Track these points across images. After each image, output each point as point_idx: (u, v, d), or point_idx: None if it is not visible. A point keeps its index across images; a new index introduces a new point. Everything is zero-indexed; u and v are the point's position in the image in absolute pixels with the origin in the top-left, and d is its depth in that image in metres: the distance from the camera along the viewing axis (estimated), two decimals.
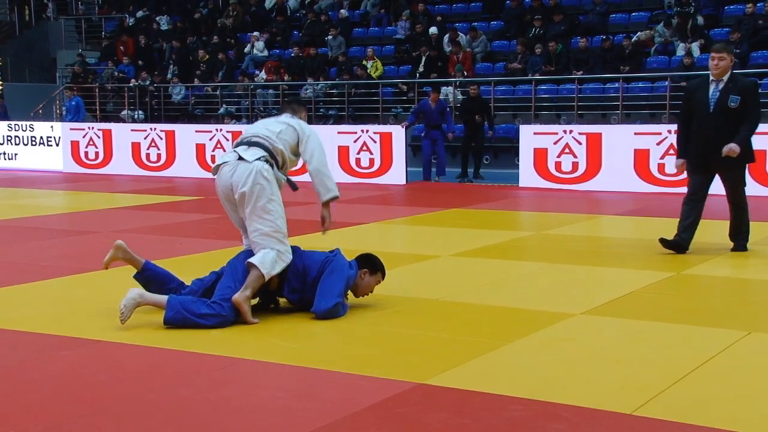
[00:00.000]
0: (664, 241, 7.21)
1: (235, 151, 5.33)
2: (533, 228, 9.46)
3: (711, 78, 7.05)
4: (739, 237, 7.33)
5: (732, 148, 6.88)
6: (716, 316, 5.16)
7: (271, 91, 18.63)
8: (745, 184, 7.26)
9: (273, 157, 5.26)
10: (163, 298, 5.01)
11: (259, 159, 5.20)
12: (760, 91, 7.58)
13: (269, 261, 5.08)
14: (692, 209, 7.17)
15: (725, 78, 6.98)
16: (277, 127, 5.38)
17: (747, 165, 7.29)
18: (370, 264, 5.48)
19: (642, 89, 15.32)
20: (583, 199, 11.48)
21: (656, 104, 14.91)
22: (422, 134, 14.38)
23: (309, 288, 5.23)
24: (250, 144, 5.29)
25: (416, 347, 4.59)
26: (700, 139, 7.06)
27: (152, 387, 3.98)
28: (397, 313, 5.34)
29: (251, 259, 5.10)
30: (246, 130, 5.77)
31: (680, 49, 15.41)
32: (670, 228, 8.81)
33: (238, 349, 4.53)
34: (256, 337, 4.79)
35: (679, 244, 7.17)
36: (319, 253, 5.39)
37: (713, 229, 8.35)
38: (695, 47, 15.21)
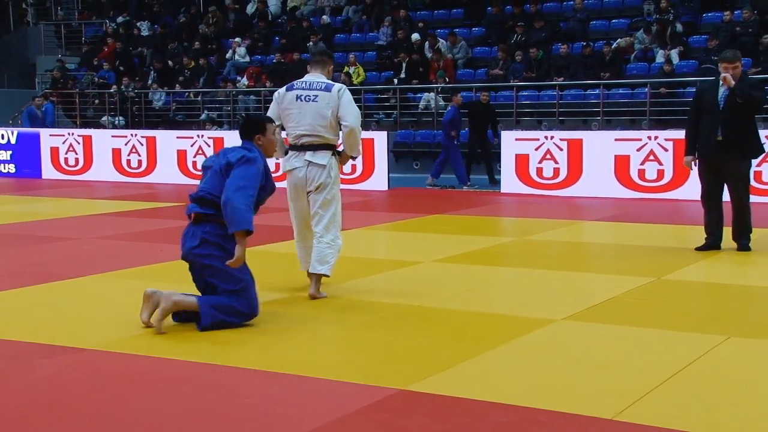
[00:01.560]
0: (699, 249, 7.55)
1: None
2: (515, 234, 9.50)
3: (721, 82, 7.33)
4: (743, 237, 7.55)
5: (729, 79, 7.18)
6: (696, 321, 5.20)
7: (252, 97, 18.60)
8: (749, 182, 7.55)
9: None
10: (194, 302, 4.97)
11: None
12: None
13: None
14: (711, 207, 7.52)
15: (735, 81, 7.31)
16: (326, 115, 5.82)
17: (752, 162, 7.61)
18: (253, 127, 5.29)
19: (622, 95, 15.44)
20: (565, 204, 11.54)
21: (636, 110, 15.02)
22: (449, 137, 14.13)
23: None
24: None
25: (399, 353, 4.60)
26: (709, 136, 7.36)
27: (135, 395, 3.96)
28: (380, 319, 5.34)
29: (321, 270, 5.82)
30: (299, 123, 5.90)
31: (660, 56, 15.54)
32: (650, 233, 8.90)
33: (221, 356, 4.51)
34: (240, 344, 4.78)
35: (712, 246, 7.53)
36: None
37: (691, 235, 8.42)
38: (674, 54, 15.34)
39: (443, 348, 4.66)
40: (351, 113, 5.83)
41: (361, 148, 6.08)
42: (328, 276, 5.92)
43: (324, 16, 20.31)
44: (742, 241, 7.56)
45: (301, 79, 6.03)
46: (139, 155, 15.66)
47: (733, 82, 7.22)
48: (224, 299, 5.04)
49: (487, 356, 4.49)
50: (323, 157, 5.85)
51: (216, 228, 5.06)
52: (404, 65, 17.41)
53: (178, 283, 6.55)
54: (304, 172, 5.86)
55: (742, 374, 4.20)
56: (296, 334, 4.99)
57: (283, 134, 6.07)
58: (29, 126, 17.40)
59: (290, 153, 5.97)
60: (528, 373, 4.24)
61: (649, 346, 4.65)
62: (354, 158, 6.15)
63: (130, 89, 19.55)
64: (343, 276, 6.66)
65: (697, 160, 7.60)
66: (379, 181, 13.90)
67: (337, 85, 5.92)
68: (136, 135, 15.90)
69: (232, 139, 15.15)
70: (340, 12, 20.72)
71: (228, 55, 20.06)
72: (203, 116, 18.46)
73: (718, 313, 5.52)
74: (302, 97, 5.86)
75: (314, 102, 5.84)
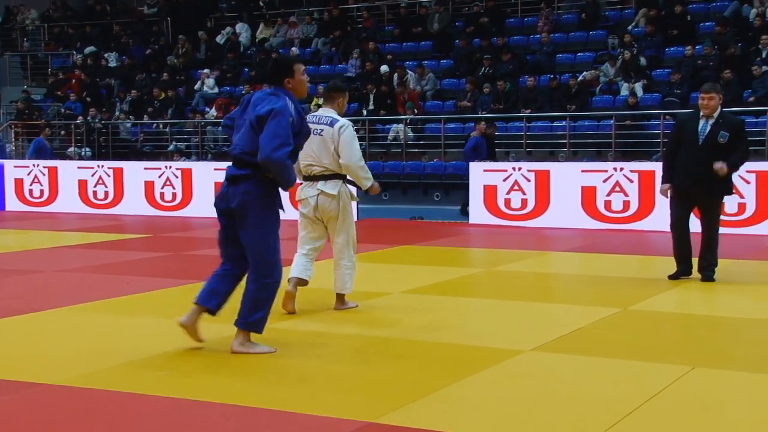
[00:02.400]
0: (671, 277, 7.67)
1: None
2: (483, 264, 9.52)
3: (701, 114, 7.46)
4: (708, 269, 7.63)
5: (722, 166, 7.31)
6: (661, 352, 5.23)
7: (221, 128, 18.54)
8: (720, 217, 7.66)
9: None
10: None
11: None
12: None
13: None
14: (680, 236, 7.61)
15: (715, 115, 7.43)
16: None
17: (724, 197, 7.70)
18: (282, 70, 5.17)
19: (588, 127, 15.63)
20: (533, 235, 11.60)
21: (602, 142, 15.20)
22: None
23: None
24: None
25: (366, 386, 4.56)
26: (685, 169, 7.45)
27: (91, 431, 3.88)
28: (347, 350, 5.31)
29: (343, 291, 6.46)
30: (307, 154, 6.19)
31: (624, 89, 15.79)
32: (616, 264, 8.97)
33: (181, 389, 4.45)
34: (201, 376, 4.72)
35: (683, 273, 7.66)
36: None
37: (657, 265, 8.51)
38: (638, 87, 15.60)
39: (411, 380, 4.64)
40: (346, 150, 6.19)
41: (367, 182, 6.37)
42: (349, 293, 6.56)
43: (293, 48, 20.39)
44: (707, 273, 7.63)
45: (314, 113, 6.48)
46: (106, 186, 15.51)
47: (725, 171, 7.31)
48: (245, 302, 5.14)
49: (455, 388, 4.47)
50: (333, 187, 6.28)
51: (254, 186, 5.02)
52: (372, 96, 17.51)
53: (144, 315, 6.48)
54: (316, 200, 6.31)
55: (707, 404, 4.22)
56: (261, 367, 4.93)
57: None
58: (35, 158, 16.79)
59: (304, 183, 6.37)
60: (496, 404, 4.23)
61: (616, 377, 4.67)
62: (368, 189, 6.49)
63: (97, 120, 19.43)
64: (310, 307, 6.62)
65: (672, 190, 7.64)
66: None
67: (340, 122, 6.26)
68: (102, 166, 15.75)
69: (201, 169, 15.08)
70: (309, 44, 20.82)
71: (197, 87, 20.04)
72: (171, 147, 18.37)
73: (684, 343, 5.57)
74: (313, 130, 6.10)
75: (320, 135, 6.22)
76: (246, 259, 5.20)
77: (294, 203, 6.80)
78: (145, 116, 19.36)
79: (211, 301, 5.24)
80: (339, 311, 6.52)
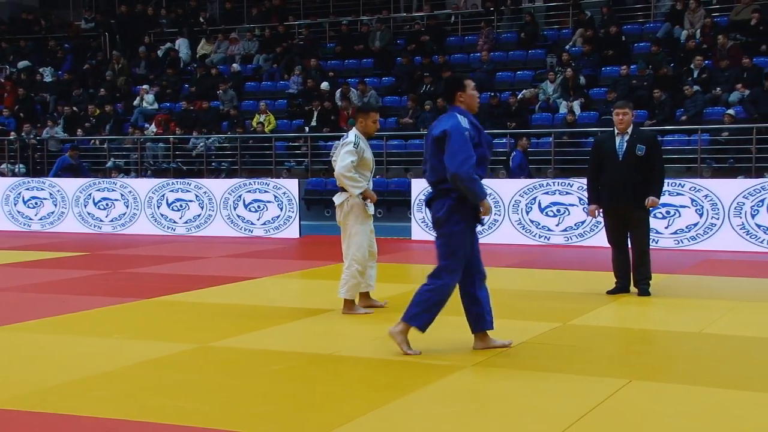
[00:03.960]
0: (610, 292, 7.92)
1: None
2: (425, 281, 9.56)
3: (616, 131, 7.81)
4: (643, 282, 7.84)
5: (654, 201, 7.72)
6: (600, 366, 5.33)
7: (161, 144, 18.35)
8: (649, 228, 7.92)
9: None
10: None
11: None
12: None
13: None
14: (618, 252, 7.90)
15: (629, 130, 7.77)
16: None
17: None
18: (453, 87, 5.57)
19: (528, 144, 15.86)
20: None
21: (542, 159, 15.46)
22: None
23: None
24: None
25: (310, 403, 4.55)
26: (611, 185, 7.74)
27: None
28: (292, 368, 5.29)
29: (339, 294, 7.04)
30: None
31: (563, 107, 16.10)
32: (556, 279, 9.11)
33: (124, 410, 4.37)
34: (146, 397, 4.65)
35: (622, 289, 7.92)
36: None
37: (596, 280, 8.67)
38: (576, 105, 15.92)
39: (355, 396, 4.64)
40: (338, 161, 6.90)
41: (353, 189, 6.90)
42: (343, 297, 6.98)
43: (234, 64, 20.30)
44: (642, 286, 7.83)
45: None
46: (42, 204, 15.19)
47: (657, 203, 7.76)
48: (416, 300, 5.57)
49: (397, 404, 4.49)
50: (339, 198, 7.05)
51: (440, 206, 5.46)
52: (316, 113, 17.52)
53: (82, 335, 6.35)
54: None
55: (644, 417, 4.32)
56: (203, 386, 4.88)
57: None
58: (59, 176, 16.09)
59: None
60: (437, 419, 4.25)
61: (555, 391, 4.74)
62: (365, 198, 6.99)
63: (32, 136, 19.01)
64: (253, 325, 6.58)
65: (600, 209, 7.89)
66: (290, 228, 13.85)
67: (347, 138, 6.93)
68: (38, 182, 15.43)
69: (141, 185, 14.88)
70: (250, 60, 20.75)
71: (136, 102, 19.78)
72: (109, 164, 18.08)
73: (621, 357, 5.68)
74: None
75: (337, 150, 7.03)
76: (476, 266, 5.62)
77: None
78: (80, 131, 19.01)
79: (480, 325, 5.67)
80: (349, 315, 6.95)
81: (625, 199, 7.68)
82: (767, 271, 9.58)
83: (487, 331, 5.69)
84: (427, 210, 5.69)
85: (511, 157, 14.40)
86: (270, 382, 4.99)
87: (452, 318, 6.88)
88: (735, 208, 11.39)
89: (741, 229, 11.35)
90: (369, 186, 7.09)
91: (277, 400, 4.64)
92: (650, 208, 7.85)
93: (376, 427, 4.14)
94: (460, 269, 5.51)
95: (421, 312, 5.53)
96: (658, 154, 7.81)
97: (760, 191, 11.32)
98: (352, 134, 6.98)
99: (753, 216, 11.31)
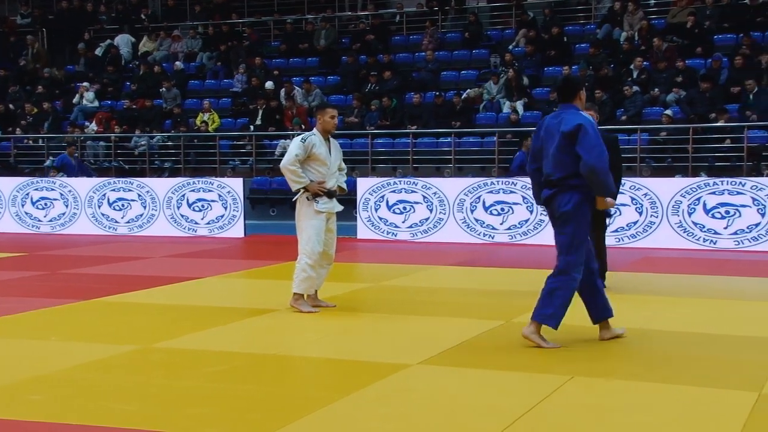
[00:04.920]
0: None
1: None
2: (371, 280, 9.58)
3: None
4: (599, 276, 7.92)
5: (610, 201, 7.60)
6: (543, 362, 5.39)
7: (102, 143, 18.02)
8: (605, 223, 8.17)
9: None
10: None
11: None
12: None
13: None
14: None
15: None
16: None
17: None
18: (573, 87, 5.80)
19: (473, 143, 16.00)
20: (420, 250, 11.76)
21: (486, 158, 15.60)
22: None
23: None
24: None
25: (254, 403, 4.51)
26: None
27: None
28: (235, 369, 5.24)
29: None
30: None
31: (506, 107, 16.26)
32: (502, 277, 9.20)
33: (62, 414, 4.28)
34: (86, 400, 4.55)
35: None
36: None
37: (541, 278, 8.77)
38: (519, 105, 16.10)
39: (299, 396, 4.62)
40: (285, 154, 7.01)
41: (292, 183, 6.98)
42: (295, 292, 7.06)
43: (177, 62, 20.03)
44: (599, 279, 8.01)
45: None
46: None
47: (614, 203, 7.77)
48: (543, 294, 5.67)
49: (342, 403, 4.48)
50: (295, 193, 7.08)
51: (567, 200, 5.56)
52: (261, 112, 17.39)
53: (18, 338, 6.19)
54: None
55: (585, 412, 4.38)
56: (145, 388, 4.80)
57: None
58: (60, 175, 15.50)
59: None
60: (382, 418, 4.26)
61: (499, 388, 4.78)
62: (313, 195, 7.00)
63: None
64: (196, 326, 6.50)
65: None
66: (234, 228, 13.73)
67: (301, 135, 7.07)
68: None
69: (81, 184, 14.57)
70: (193, 58, 20.51)
71: (75, 100, 19.39)
72: (48, 162, 17.68)
73: (564, 353, 5.75)
74: None
75: None
76: (592, 258, 5.78)
77: None
78: (17, 130, 18.57)
79: (606, 312, 5.89)
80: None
81: None
82: (704, 268, 9.81)
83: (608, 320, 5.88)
84: (548, 205, 5.73)
85: (515, 157, 13.98)
86: (213, 382, 4.93)
87: (397, 316, 6.90)
88: (673, 207, 11.64)
89: (678, 227, 11.61)
90: (333, 183, 7.08)
91: (221, 401, 4.59)
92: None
93: (320, 427, 4.13)
94: (583, 263, 5.65)
95: (556, 310, 5.64)
96: (618, 155, 8.03)
97: (697, 190, 11.59)
98: (310, 131, 7.11)
99: (690, 214, 11.57)
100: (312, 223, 7.00)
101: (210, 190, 13.96)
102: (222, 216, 13.83)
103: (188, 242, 13.06)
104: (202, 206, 13.93)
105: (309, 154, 6.95)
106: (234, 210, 13.79)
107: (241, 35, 20.89)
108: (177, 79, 19.22)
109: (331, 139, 7.21)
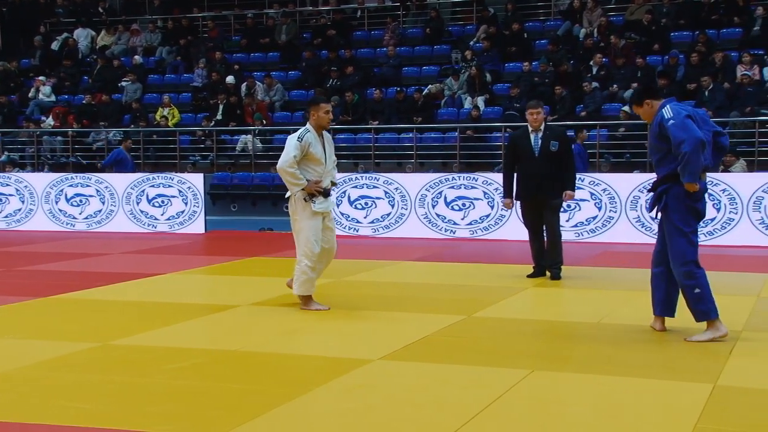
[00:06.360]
0: (530, 276, 8.51)
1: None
2: (333, 275, 9.55)
3: (530, 129, 8.32)
4: (555, 266, 8.41)
5: (571, 194, 8.35)
6: (503, 356, 5.44)
7: (59, 138, 17.74)
8: (560, 217, 8.52)
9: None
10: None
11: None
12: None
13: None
14: (534, 241, 8.51)
15: (542, 128, 8.31)
16: None
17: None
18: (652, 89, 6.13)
19: (434, 139, 16.06)
20: (381, 245, 11.78)
21: (447, 153, 15.66)
22: None
23: None
24: None
25: (215, 400, 4.49)
26: (528, 179, 8.30)
27: None
28: (195, 366, 5.20)
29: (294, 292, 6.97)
30: None
31: (467, 103, 16.34)
32: (463, 272, 9.26)
33: (20, 414, 4.21)
34: (44, 399, 4.48)
35: (539, 273, 8.52)
36: None
37: (505, 272, 8.86)
38: (480, 101, 16.19)
39: (260, 393, 4.60)
40: (282, 155, 6.75)
41: (291, 186, 6.79)
42: (296, 294, 6.92)
43: (136, 56, 19.80)
44: (554, 271, 8.41)
45: None
46: None
47: (573, 195, 8.34)
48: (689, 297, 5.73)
49: (304, 399, 4.47)
50: (288, 191, 6.87)
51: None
52: (221, 107, 17.26)
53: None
54: None
55: (546, 405, 4.43)
56: (104, 386, 4.75)
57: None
58: (114, 170, 14.94)
59: None
60: (344, 413, 4.26)
61: (461, 383, 4.81)
62: (309, 195, 6.77)
63: None
64: (157, 322, 6.45)
65: (517, 202, 8.49)
66: (195, 224, 13.62)
67: (296, 133, 6.76)
68: None
69: (37, 180, 14.34)
70: (153, 52, 20.28)
71: (31, 94, 19.06)
72: (3, 158, 17.38)
73: (524, 347, 5.80)
74: None
75: None
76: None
77: None
78: None
79: (671, 309, 5.97)
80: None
81: (542, 191, 8.26)
82: None
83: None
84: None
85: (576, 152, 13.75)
86: (174, 379, 4.89)
87: (359, 311, 6.90)
88: (631, 202, 11.80)
89: (637, 221, 11.77)
90: (326, 181, 6.83)
91: (182, 398, 4.55)
92: (566, 201, 8.45)
93: (281, 424, 4.12)
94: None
95: (708, 304, 5.70)
96: (569, 149, 8.43)
97: None
98: (304, 128, 6.80)
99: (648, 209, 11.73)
100: (310, 224, 6.77)
101: (170, 186, 13.83)
102: (182, 212, 13.71)
103: (148, 238, 12.93)
104: (162, 202, 13.80)
105: (305, 154, 6.70)
106: (194, 206, 13.68)
107: (201, 30, 20.71)
108: (136, 74, 19.00)
109: (325, 134, 6.91)
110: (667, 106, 5.71)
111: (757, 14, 16.22)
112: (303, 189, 6.72)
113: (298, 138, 6.69)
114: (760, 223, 11.38)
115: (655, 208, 5.87)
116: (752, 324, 6.29)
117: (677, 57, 15.55)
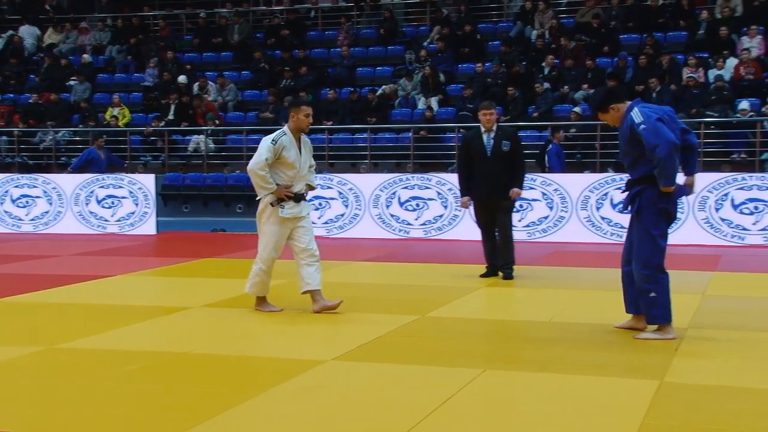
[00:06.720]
0: (483, 276, 8.55)
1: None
2: (286, 276, 9.49)
3: (483, 129, 8.40)
4: (507, 266, 8.47)
5: (518, 192, 8.43)
6: (456, 356, 5.46)
7: (4, 138, 17.36)
8: (512, 215, 8.64)
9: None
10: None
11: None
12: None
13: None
14: (487, 240, 8.60)
15: (494, 128, 8.39)
16: None
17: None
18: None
19: (388, 139, 16.07)
20: (335, 246, 11.74)
21: (401, 154, 15.69)
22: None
23: None
24: None
25: (165, 403, 4.43)
26: (481, 178, 8.37)
27: None
28: (146, 368, 5.13)
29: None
30: None
31: (421, 103, 16.39)
32: (417, 272, 9.27)
33: None
34: None
35: (492, 273, 8.56)
36: None
37: (458, 272, 8.90)
38: (434, 101, 16.25)
39: (211, 395, 4.55)
40: (254, 156, 6.59)
41: (259, 189, 6.63)
42: (247, 292, 6.90)
43: (85, 55, 19.47)
44: (507, 271, 8.47)
45: None
46: None
47: (520, 192, 8.47)
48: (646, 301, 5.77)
49: (257, 401, 4.44)
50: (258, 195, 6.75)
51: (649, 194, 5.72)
52: (173, 107, 17.06)
53: None
54: None
55: (498, 404, 4.46)
56: (50, 390, 4.65)
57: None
58: (82, 171, 14.33)
59: None
60: (297, 415, 4.23)
61: (413, 383, 4.81)
62: (278, 200, 6.63)
63: None
64: (106, 325, 6.34)
65: (471, 202, 8.52)
66: (146, 225, 13.44)
67: (271, 135, 6.63)
68: None
69: None
70: (102, 51, 19.97)
71: None
72: None
73: (476, 347, 5.84)
74: None
75: None
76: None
77: None
78: None
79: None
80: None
81: (495, 191, 8.35)
82: (612, 261, 10.06)
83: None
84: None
85: (547, 151, 13.37)
86: (123, 383, 4.81)
87: (310, 313, 6.87)
88: (582, 202, 11.96)
89: (587, 221, 11.93)
90: (300, 186, 6.66)
91: (131, 401, 4.48)
92: (514, 199, 8.51)
93: (233, 426, 4.08)
94: None
95: (662, 310, 5.75)
96: (519, 149, 8.53)
97: (604, 185, 11.93)
98: (281, 130, 6.66)
99: (598, 209, 11.90)
100: (272, 229, 6.64)
101: (120, 187, 13.63)
102: (133, 213, 13.53)
103: (97, 240, 12.72)
104: (112, 203, 13.60)
105: (278, 157, 6.54)
106: (145, 207, 13.51)
107: (152, 28, 20.45)
108: (85, 73, 18.69)
109: (303, 137, 6.74)
110: (635, 109, 5.68)
111: (701, 18, 16.56)
112: (272, 193, 6.59)
113: (272, 140, 6.53)
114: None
115: (629, 209, 5.90)
116: (697, 322, 6.41)
117: (626, 59, 15.78)
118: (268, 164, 6.53)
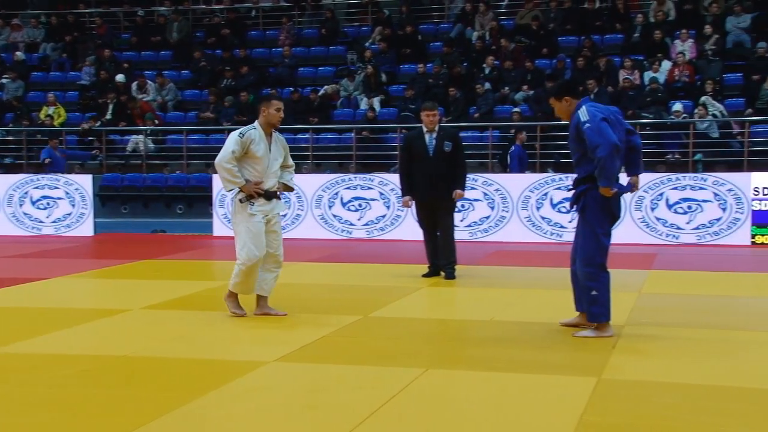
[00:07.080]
0: (425, 276, 8.58)
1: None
2: (227, 277, 9.43)
3: (425, 130, 8.44)
4: (449, 267, 8.52)
5: (460, 193, 8.50)
6: (398, 356, 5.48)
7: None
8: (453, 215, 8.70)
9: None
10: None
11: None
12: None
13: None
14: (429, 240, 8.63)
15: (436, 129, 8.43)
16: None
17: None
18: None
19: (330, 140, 16.04)
20: None
21: (344, 154, 15.68)
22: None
23: None
24: None
25: (104, 408, 4.34)
26: (423, 178, 8.40)
27: None
28: (83, 372, 5.03)
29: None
30: None
31: (363, 103, 16.40)
32: (360, 272, 9.28)
33: None
34: None
35: (434, 273, 8.59)
36: None
37: (400, 272, 8.93)
38: (376, 102, 16.28)
39: (151, 398, 4.48)
40: (221, 150, 6.46)
41: (226, 183, 6.49)
42: (230, 290, 6.68)
43: (18, 53, 18.99)
44: (449, 270, 8.51)
45: None
46: None
47: (462, 194, 8.53)
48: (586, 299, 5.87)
49: (198, 403, 4.39)
50: (230, 193, 6.70)
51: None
52: (111, 106, 16.75)
53: None
54: None
55: (440, 403, 4.48)
56: None
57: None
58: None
59: None
60: (239, 417, 4.20)
61: (355, 383, 4.82)
62: (247, 196, 6.47)
63: None
64: (41, 329, 6.20)
65: (413, 201, 8.55)
66: (83, 226, 13.18)
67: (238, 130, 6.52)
68: None
69: None
70: (36, 49, 19.50)
71: None
72: None
73: (418, 346, 5.86)
74: None
75: None
76: None
77: None
78: None
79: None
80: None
81: (437, 191, 8.39)
82: (552, 260, 10.24)
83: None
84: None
85: (510, 152, 13.51)
86: (59, 388, 4.71)
87: (250, 315, 6.83)
88: (522, 202, 12.11)
89: (528, 221, 12.09)
90: (272, 183, 6.52)
91: (68, 406, 4.39)
92: (456, 199, 8.56)
93: (174, 429, 4.03)
94: None
95: (602, 308, 5.84)
96: (461, 149, 8.58)
97: (544, 185, 12.11)
98: (251, 124, 6.54)
99: (538, 209, 12.07)
100: (247, 226, 6.41)
101: (56, 188, 13.34)
102: (69, 214, 13.25)
103: (32, 242, 12.43)
104: (48, 204, 13.30)
105: (245, 151, 6.38)
106: (82, 208, 13.25)
107: (88, 26, 20.05)
108: (18, 70, 18.23)
109: (275, 134, 6.62)
110: (583, 107, 5.76)
111: (637, 21, 16.93)
112: (241, 190, 6.43)
113: (240, 133, 6.41)
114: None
115: (574, 207, 5.98)
116: (634, 319, 6.55)
117: (564, 61, 16.04)
118: (236, 158, 6.37)
